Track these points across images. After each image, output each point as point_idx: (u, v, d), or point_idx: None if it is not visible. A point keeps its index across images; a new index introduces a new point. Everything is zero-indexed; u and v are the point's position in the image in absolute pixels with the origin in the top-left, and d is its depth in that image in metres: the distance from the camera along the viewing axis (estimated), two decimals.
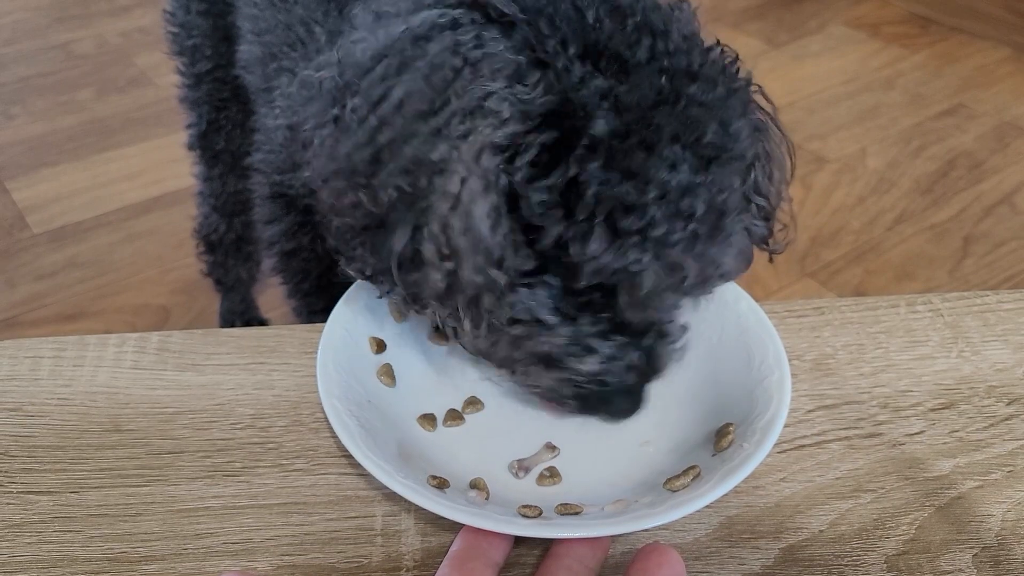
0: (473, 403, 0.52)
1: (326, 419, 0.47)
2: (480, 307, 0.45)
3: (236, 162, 1.12)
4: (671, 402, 0.52)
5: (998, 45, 2.06)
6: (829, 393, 0.53)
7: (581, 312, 0.48)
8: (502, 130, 0.43)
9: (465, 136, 0.43)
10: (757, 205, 0.52)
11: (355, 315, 0.53)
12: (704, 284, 0.48)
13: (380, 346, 0.53)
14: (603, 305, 0.48)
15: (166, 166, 1.69)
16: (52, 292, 1.45)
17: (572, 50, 0.44)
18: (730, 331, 0.53)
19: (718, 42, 0.49)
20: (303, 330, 0.57)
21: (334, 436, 0.49)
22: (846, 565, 0.44)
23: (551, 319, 0.48)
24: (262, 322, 1.38)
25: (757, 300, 0.54)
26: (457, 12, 0.46)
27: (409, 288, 0.46)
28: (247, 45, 0.82)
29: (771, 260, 0.57)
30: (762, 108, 0.52)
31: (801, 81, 1.95)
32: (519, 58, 0.44)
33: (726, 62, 0.48)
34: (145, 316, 1.41)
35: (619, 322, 0.49)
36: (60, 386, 0.53)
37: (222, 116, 1.06)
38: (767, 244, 0.55)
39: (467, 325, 0.47)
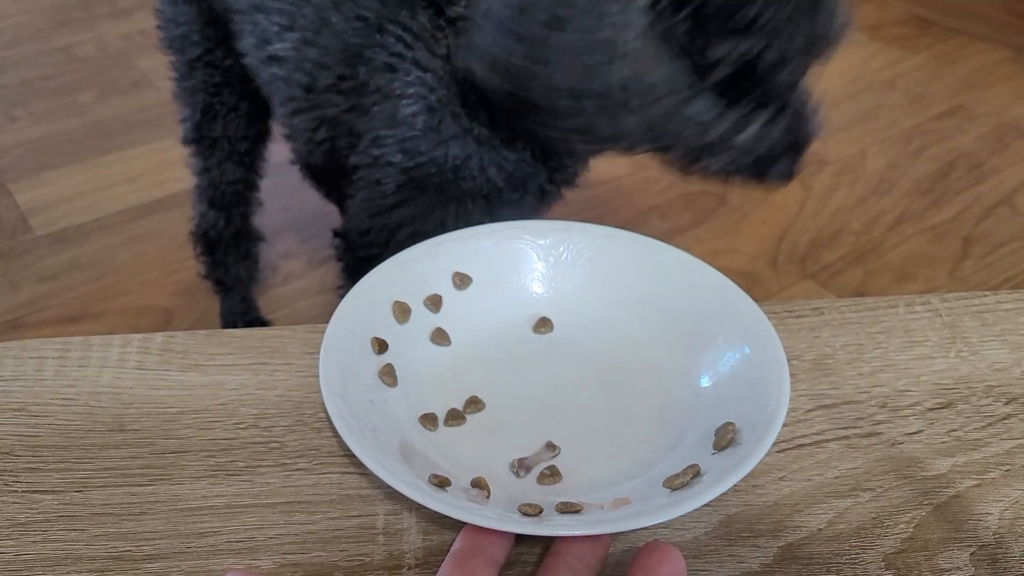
0: (474, 403, 0.52)
1: (328, 419, 0.47)
2: (668, 126, 0.65)
3: (233, 148, 1.12)
4: (671, 401, 0.52)
5: (998, 46, 2.06)
6: (828, 393, 0.54)
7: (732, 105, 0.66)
8: None
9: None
10: None
11: (357, 316, 0.54)
12: (819, 43, 0.65)
13: (382, 346, 0.53)
14: (749, 95, 0.66)
15: (168, 168, 1.70)
16: (54, 294, 1.45)
17: None
18: (729, 331, 0.53)
19: None
20: (305, 331, 0.57)
21: (336, 436, 0.49)
22: (844, 563, 0.44)
23: (710, 115, 0.66)
24: (263, 323, 1.38)
25: (757, 301, 0.55)
26: None
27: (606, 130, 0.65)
28: (280, 43, 0.83)
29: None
30: None
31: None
32: None
33: None
34: (147, 318, 1.42)
35: (765, 102, 0.66)
36: (65, 386, 0.54)
37: (216, 101, 1.07)
38: None
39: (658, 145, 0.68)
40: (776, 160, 0.70)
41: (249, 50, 0.89)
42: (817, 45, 0.65)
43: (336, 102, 0.81)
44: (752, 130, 0.67)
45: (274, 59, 0.85)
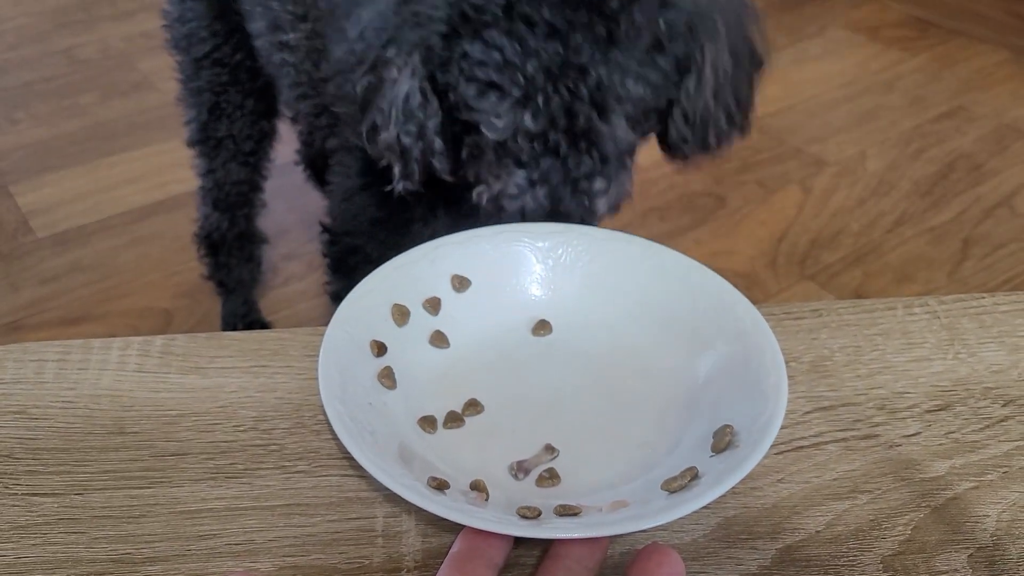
0: (473, 405, 0.52)
1: (328, 421, 0.47)
2: (408, 158, 0.69)
3: (238, 147, 1.13)
4: (669, 404, 0.52)
5: (997, 47, 2.06)
6: (826, 395, 0.54)
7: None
8: (420, 32, 0.64)
9: (402, 39, 0.65)
10: (682, 110, 0.68)
11: (356, 319, 0.54)
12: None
13: (381, 349, 0.54)
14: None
15: (169, 170, 1.70)
16: (55, 296, 1.46)
17: None
18: (727, 333, 0.53)
19: None
20: (305, 333, 0.57)
21: (335, 438, 0.49)
22: (843, 566, 0.44)
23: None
24: (264, 325, 1.39)
25: (756, 302, 0.55)
26: None
27: (374, 150, 0.70)
28: (293, 33, 0.87)
29: (680, 161, 0.74)
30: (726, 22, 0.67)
31: (800, 84, 1.95)
32: None
33: None
34: (148, 320, 1.42)
35: (527, 164, 0.67)
36: (65, 389, 0.54)
37: (223, 100, 1.07)
38: (682, 147, 0.71)
39: (409, 178, 0.71)
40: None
41: (261, 32, 0.91)
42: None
43: (334, 90, 0.82)
44: (499, 187, 0.68)
45: (285, 46, 0.87)
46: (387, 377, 0.52)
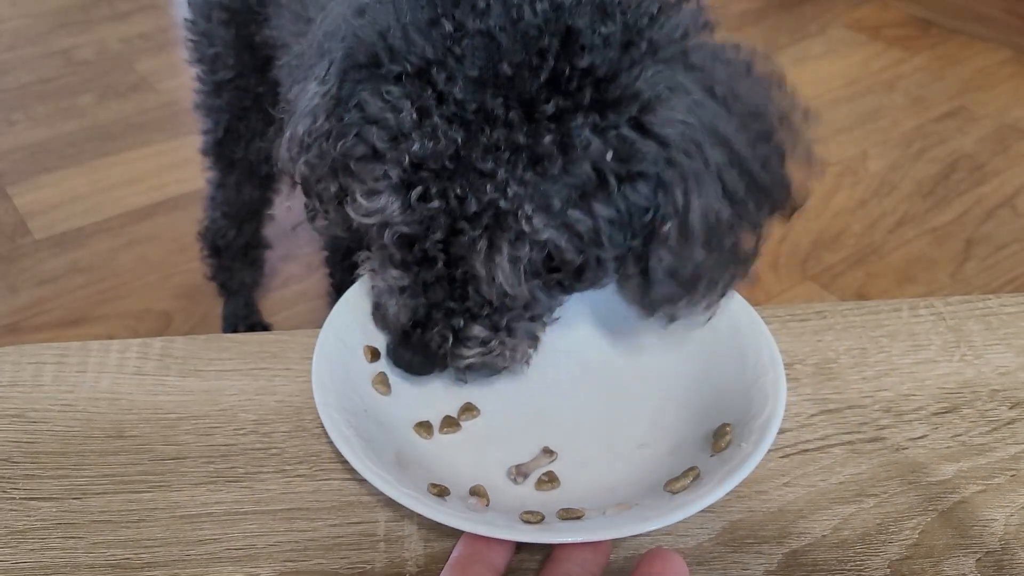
0: (469, 409, 0.52)
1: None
2: (313, 195, 0.55)
3: (253, 171, 1.12)
4: (667, 404, 0.51)
5: (999, 47, 2.06)
6: (832, 397, 0.53)
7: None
8: (344, 47, 0.51)
9: (329, 53, 0.52)
10: (664, 262, 0.49)
11: (348, 324, 0.54)
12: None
13: (374, 355, 0.53)
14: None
15: (167, 171, 1.69)
16: (54, 298, 1.45)
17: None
18: (723, 331, 0.53)
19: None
20: (305, 335, 0.57)
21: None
22: (849, 570, 0.44)
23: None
24: (265, 327, 1.38)
25: (758, 303, 0.54)
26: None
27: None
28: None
29: (665, 326, 0.53)
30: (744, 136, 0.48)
31: (801, 84, 1.93)
32: (383, 10, 0.50)
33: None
34: (147, 321, 1.41)
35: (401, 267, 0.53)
36: (63, 392, 0.53)
37: (242, 125, 1.06)
38: (667, 307, 0.51)
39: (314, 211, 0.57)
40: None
41: (285, 79, 0.89)
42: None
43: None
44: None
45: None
46: (381, 382, 0.52)
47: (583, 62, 0.45)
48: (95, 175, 1.72)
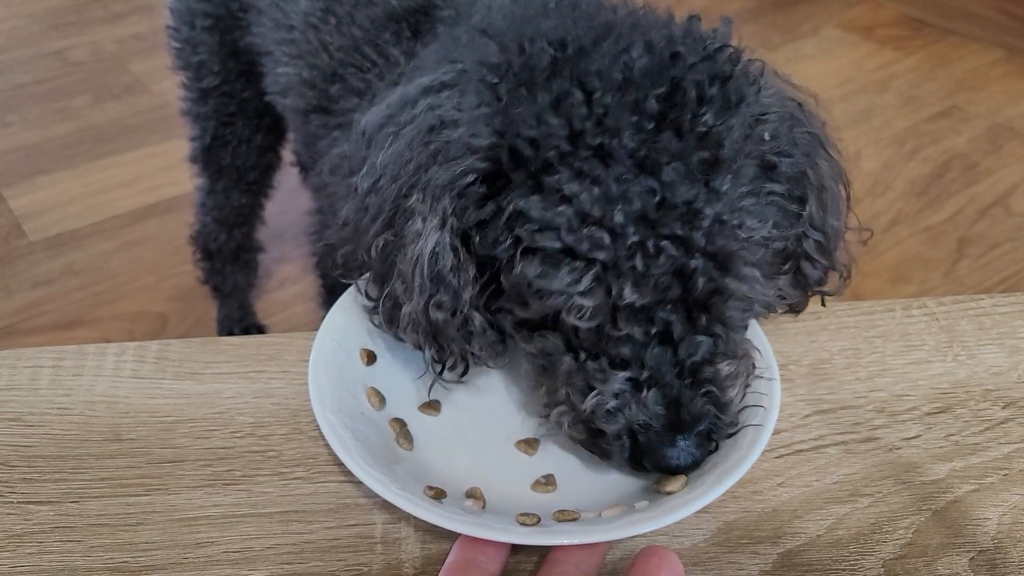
0: (437, 408, 0.52)
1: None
2: (447, 339, 0.49)
3: (241, 177, 1.11)
4: None
5: (991, 47, 2.07)
6: (826, 398, 0.54)
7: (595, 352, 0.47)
8: (453, 170, 0.47)
9: (428, 181, 0.47)
10: (814, 240, 0.51)
11: (345, 327, 0.54)
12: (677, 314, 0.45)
13: (371, 358, 0.53)
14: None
15: (162, 173, 1.69)
16: (49, 300, 1.45)
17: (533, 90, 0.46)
18: None
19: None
20: (302, 338, 0.57)
21: None
22: (844, 570, 0.44)
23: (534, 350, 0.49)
24: (260, 329, 1.38)
25: None
26: (450, 74, 0.50)
27: (398, 332, 0.51)
28: (283, 68, 0.81)
29: (823, 304, 0.57)
30: (810, 124, 0.52)
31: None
32: (482, 111, 0.47)
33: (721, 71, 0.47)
34: (143, 323, 1.41)
35: (623, 359, 0.46)
36: (60, 396, 0.53)
37: (228, 131, 1.05)
38: (820, 285, 0.54)
39: (449, 365, 0.50)
40: (646, 449, 0.46)
41: (270, 87, 0.88)
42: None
43: (315, 120, 0.79)
44: (594, 397, 0.47)
45: (283, 93, 0.84)
46: (374, 395, 0.52)
47: (704, 73, 0.46)
48: (90, 177, 1.72)
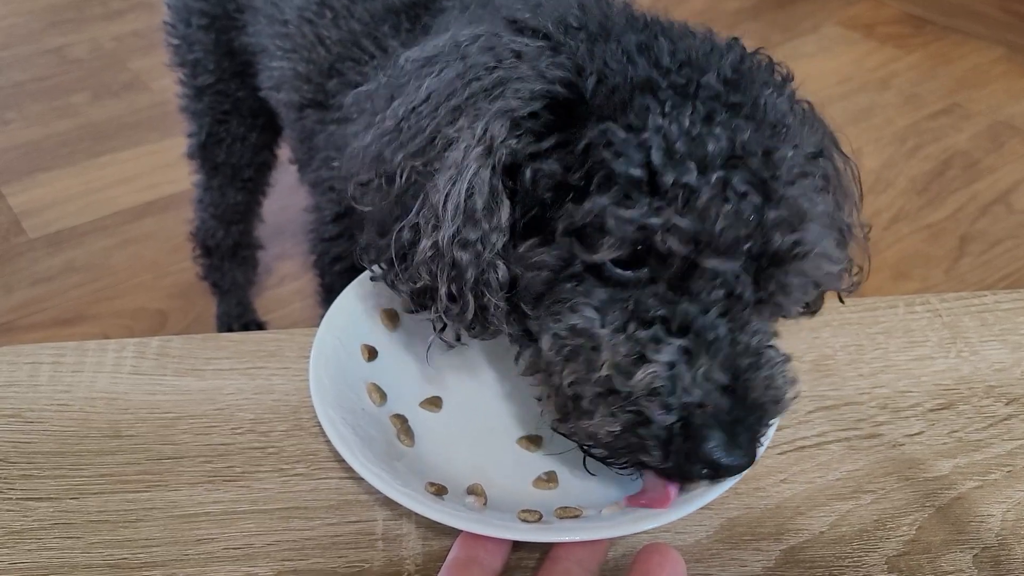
0: (437, 403, 0.52)
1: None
2: (465, 283, 0.44)
3: (236, 174, 1.12)
4: None
5: (992, 44, 2.06)
6: (829, 394, 0.53)
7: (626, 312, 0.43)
8: (514, 99, 0.43)
9: (479, 111, 0.44)
10: (839, 230, 0.48)
11: (346, 323, 0.53)
12: (776, 255, 0.42)
13: (372, 353, 0.53)
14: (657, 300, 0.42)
15: (161, 170, 1.69)
16: (48, 297, 1.44)
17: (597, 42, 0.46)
18: None
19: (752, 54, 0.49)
20: (302, 334, 0.57)
21: None
22: (847, 566, 0.44)
23: (573, 312, 0.43)
24: (260, 325, 1.38)
25: None
26: (501, 29, 0.48)
27: (406, 278, 0.46)
28: (277, 63, 0.81)
29: (842, 301, 0.54)
30: (825, 126, 0.53)
31: (796, 81, 1.95)
32: (557, 48, 0.46)
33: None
34: (142, 320, 1.41)
35: (683, 325, 0.42)
36: (59, 392, 0.53)
37: (223, 129, 1.05)
38: (836, 282, 0.49)
39: (459, 312, 0.45)
40: (700, 439, 0.40)
41: (264, 83, 0.88)
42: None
43: (311, 115, 0.77)
44: (647, 370, 0.41)
45: (276, 87, 0.83)
46: (375, 391, 0.51)
47: (760, 60, 0.50)
48: (89, 174, 1.72)
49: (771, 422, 0.43)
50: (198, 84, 1.01)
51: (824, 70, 2.02)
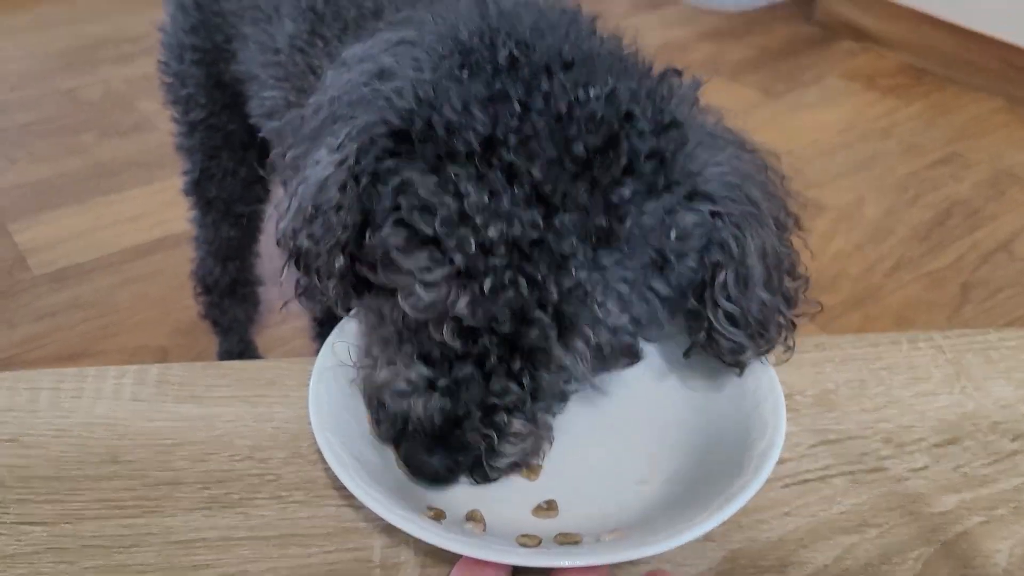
0: None
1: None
2: (311, 271, 0.50)
3: (228, 209, 1.12)
4: (667, 432, 0.51)
5: (991, 95, 2.08)
6: (831, 428, 0.53)
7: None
8: (371, 116, 0.47)
9: (351, 119, 0.48)
10: (725, 312, 0.48)
11: (346, 350, 0.53)
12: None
13: None
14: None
15: (167, 209, 1.70)
16: (52, 332, 1.44)
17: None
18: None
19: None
20: (302, 363, 0.57)
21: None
22: None
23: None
24: None
25: None
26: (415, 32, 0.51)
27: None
28: (269, 91, 0.82)
29: (739, 374, 0.51)
30: (763, 189, 0.49)
31: (798, 131, 1.97)
32: (418, 75, 0.48)
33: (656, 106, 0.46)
34: (144, 357, 1.41)
35: (438, 362, 0.47)
36: (58, 417, 0.53)
37: (213, 164, 1.06)
38: (740, 355, 0.50)
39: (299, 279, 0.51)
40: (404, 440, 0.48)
41: (255, 111, 0.89)
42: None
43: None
44: (385, 373, 0.49)
45: (267, 115, 0.84)
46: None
47: (646, 146, 0.44)
48: (96, 212, 1.73)
49: (491, 472, 0.47)
50: (191, 119, 1.03)
51: (826, 120, 2.04)
